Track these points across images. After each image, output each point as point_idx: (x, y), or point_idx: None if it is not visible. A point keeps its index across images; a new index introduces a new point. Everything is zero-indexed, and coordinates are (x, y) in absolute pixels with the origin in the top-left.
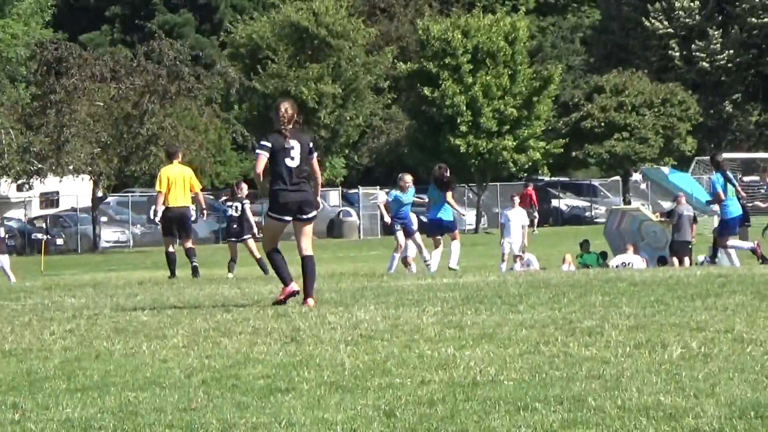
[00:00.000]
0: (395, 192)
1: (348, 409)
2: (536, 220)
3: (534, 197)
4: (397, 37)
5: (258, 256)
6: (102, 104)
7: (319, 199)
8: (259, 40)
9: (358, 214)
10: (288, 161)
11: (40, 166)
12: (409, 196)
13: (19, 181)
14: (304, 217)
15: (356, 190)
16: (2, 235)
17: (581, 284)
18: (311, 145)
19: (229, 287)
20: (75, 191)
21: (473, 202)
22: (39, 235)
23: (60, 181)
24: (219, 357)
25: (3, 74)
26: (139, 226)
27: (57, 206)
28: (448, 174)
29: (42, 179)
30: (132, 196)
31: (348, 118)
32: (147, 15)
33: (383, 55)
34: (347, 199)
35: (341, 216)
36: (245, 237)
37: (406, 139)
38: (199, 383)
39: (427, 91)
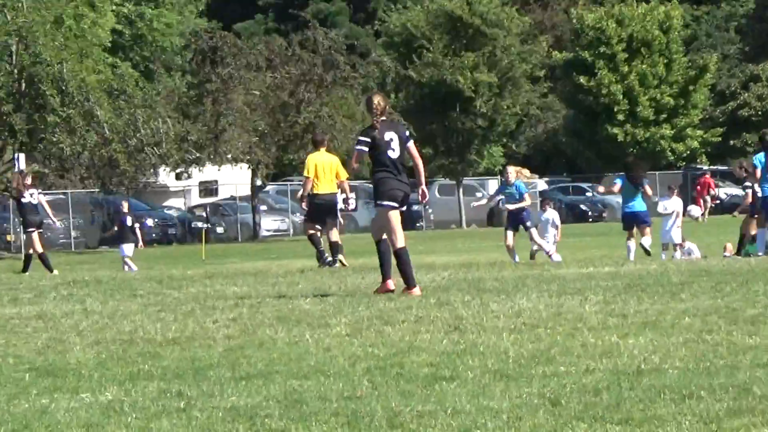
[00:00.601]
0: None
1: (513, 397)
2: (707, 209)
3: (712, 185)
4: (551, 26)
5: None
6: (258, 93)
7: (423, 187)
8: (414, 29)
9: None
10: (390, 153)
11: (198, 155)
12: (513, 189)
13: (178, 170)
14: (402, 208)
15: None
16: (130, 224)
17: (743, 273)
18: (407, 134)
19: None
20: (234, 180)
21: None
22: (199, 224)
23: (218, 169)
24: (383, 345)
25: (159, 63)
26: (298, 214)
27: (216, 195)
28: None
29: (200, 168)
30: (291, 184)
31: (504, 107)
32: (301, 4)
33: (538, 44)
34: None
35: (500, 205)
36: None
37: (563, 127)
38: (363, 371)
39: (583, 79)
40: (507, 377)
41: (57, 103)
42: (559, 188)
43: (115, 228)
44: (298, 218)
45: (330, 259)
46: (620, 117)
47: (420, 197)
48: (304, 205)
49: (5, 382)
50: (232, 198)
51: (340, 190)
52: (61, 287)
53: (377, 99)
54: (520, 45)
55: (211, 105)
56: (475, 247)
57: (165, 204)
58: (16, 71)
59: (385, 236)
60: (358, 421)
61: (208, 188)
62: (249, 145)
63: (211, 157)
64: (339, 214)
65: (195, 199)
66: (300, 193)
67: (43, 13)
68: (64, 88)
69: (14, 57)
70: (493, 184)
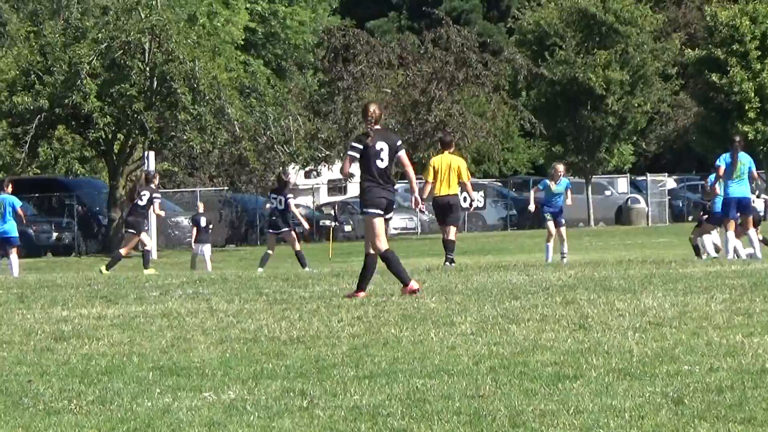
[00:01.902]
0: (546, 180)
1: (636, 396)
2: None
3: None
4: (684, 24)
5: (298, 248)
6: (389, 91)
7: (416, 195)
8: (547, 27)
9: (647, 201)
10: (378, 162)
11: (327, 152)
12: (560, 186)
13: (307, 168)
14: (388, 216)
15: (644, 177)
16: (203, 225)
17: None
18: (398, 143)
19: (517, 274)
20: None
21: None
22: (327, 222)
23: None
24: (507, 344)
25: (290, 61)
26: (426, 213)
27: (344, 193)
28: None
29: (330, 166)
30: (420, 183)
31: (636, 104)
32: (434, 1)
33: (671, 42)
34: (635, 186)
35: (629, 203)
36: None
37: (694, 126)
38: (487, 370)
39: (715, 77)
40: (630, 376)
41: (188, 101)
42: (689, 186)
43: (194, 229)
44: (426, 217)
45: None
46: (751, 115)
47: (413, 204)
48: (422, 206)
49: (129, 380)
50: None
51: (461, 190)
52: (186, 285)
53: (373, 107)
54: (652, 42)
55: (342, 103)
56: (603, 245)
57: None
58: (148, 69)
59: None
60: (481, 420)
61: (336, 186)
62: None
63: (341, 155)
64: (460, 214)
65: (324, 197)
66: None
67: (176, 11)
68: (195, 86)
69: (147, 55)
70: (622, 183)
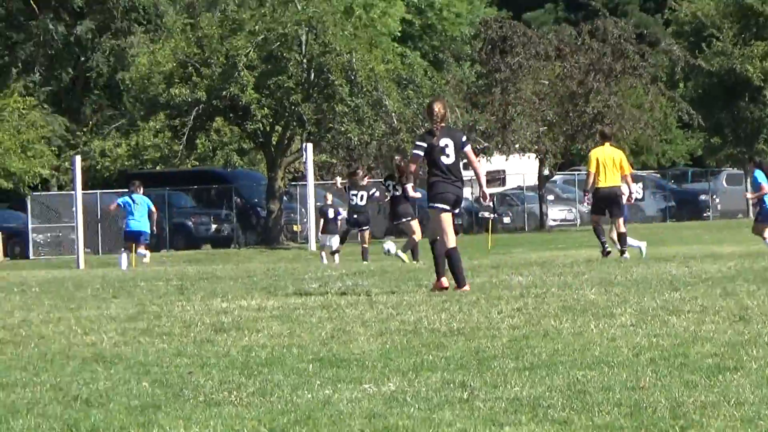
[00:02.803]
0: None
1: None
2: None
3: None
4: None
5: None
6: (546, 83)
7: (484, 189)
8: (704, 18)
9: None
10: (443, 159)
11: (486, 144)
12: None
13: (464, 160)
14: (455, 211)
15: None
16: (331, 216)
17: None
18: (464, 139)
19: (676, 265)
20: (521, 170)
21: None
22: (486, 214)
23: (506, 159)
24: (667, 336)
25: (448, 53)
26: (585, 204)
27: (503, 185)
28: None
29: (488, 158)
30: (578, 174)
31: None
32: None
33: None
34: None
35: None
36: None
37: None
38: (647, 362)
39: None
40: None
41: (346, 93)
42: None
43: (322, 220)
44: (585, 208)
45: (617, 249)
46: None
47: (481, 198)
48: (587, 198)
49: (289, 372)
50: (519, 188)
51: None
52: (346, 277)
53: (438, 106)
54: None
55: (499, 94)
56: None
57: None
58: (305, 61)
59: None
60: (641, 411)
61: (495, 178)
62: (537, 134)
63: (499, 146)
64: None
65: None
66: (584, 187)
67: (333, 3)
68: (353, 77)
69: (304, 47)
70: None
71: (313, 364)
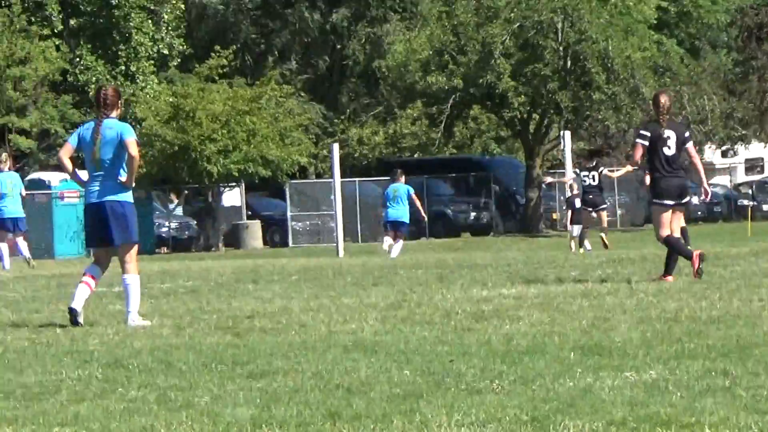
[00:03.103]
0: None
1: None
2: None
3: None
4: None
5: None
6: None
7: (705, 186)
8: None
9: None
10: (665, 150)
11: (743, 132)
12: None
13: (723, 147)
14: (682, 201)
15: None
16: (578, 207)
17: None
18: (687, 134)
19: None
20: None
21: None
22: (745, 202)
23: (765, 146)
24: None
25: (704, 40)
26: None
27: (762, 172)
28: None
29: (746, 145)
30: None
31: None
32: None
33: None
34: None
35: None
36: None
37: None
38: None
39: None
40: None
41: (602, 81)
42: None
43: (568, 211)
44: None
45: None
46: None
47: (703, 195)
48: None
49: (551, 360)
50: None
51: None
52: (605, 265)
53: (664, 98)
54: None
55: (756, 82)
56: None
57: (710, 182)
58: (561, 49)
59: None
60: None
61: (753, 165)
62: None
63: (757, 134)
64: None
65: (741, 176)
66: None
67: None
68: (609, 65)
69: (560, 35)
70: None
71: (574, 352)
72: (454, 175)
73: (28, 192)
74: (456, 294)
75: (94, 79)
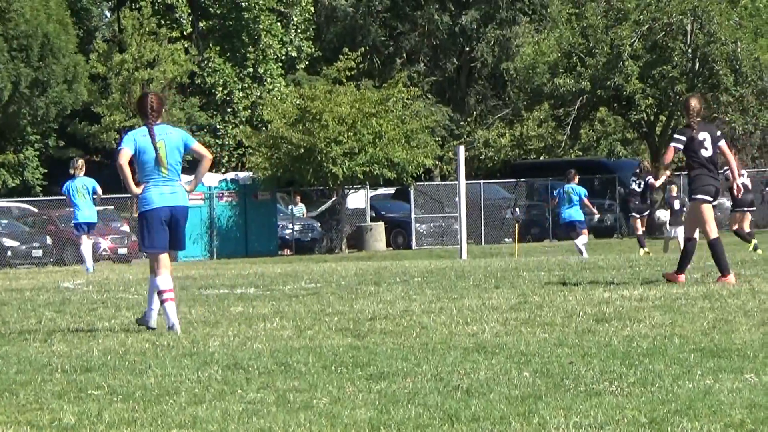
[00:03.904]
0: None
1: None
2: None
3: None
4: None
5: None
6: None
7: (738, 182)
8: None
9: None
10: (703, 152)
11: None
12: None
13: None
14: (714, 203)
15: None
16: (677, 208)
17: None
18: (719, 134)
19: None
20: None
21: None
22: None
23: None
24: None
25: None
26: None
27: None
28: None
29: None
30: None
31: None
32: None
33: None
34: None
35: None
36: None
37: None
38: None
39: None
40: None
41: (730, 83)
42: None
43: (667, 211)
44: None
45: None
46: None
47: (736, 191)
48: None
49: (671, 362)
50: None
51: None
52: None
53: (694, 102)
54: None
55: None
56: None
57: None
58: (690, 51)
59: (695, 235)
60: None
61: None
62: None
63: None
64: None
65: None
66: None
67: None
68: (737, 67)
69: (689, 36)
70: None
71: (694, 354)
72: (579, 177)
73: None
74: (578, 296)
75: (221, 81)
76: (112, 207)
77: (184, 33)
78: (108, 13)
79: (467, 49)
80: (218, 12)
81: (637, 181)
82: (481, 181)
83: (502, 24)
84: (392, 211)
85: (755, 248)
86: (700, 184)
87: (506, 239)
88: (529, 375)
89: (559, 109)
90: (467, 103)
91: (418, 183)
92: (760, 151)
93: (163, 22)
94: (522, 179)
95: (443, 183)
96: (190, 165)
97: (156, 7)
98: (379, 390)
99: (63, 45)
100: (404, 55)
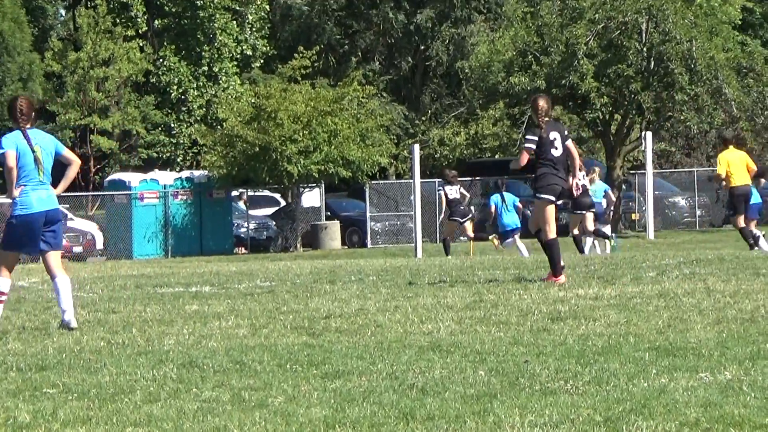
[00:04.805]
0: None
1: None
2: None
3: None
4: None
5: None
6: None
7: (576, 181)
8: None
9: None
10: (553, 151)
11: None
12: None
13: None
14: (559, 202)
15: None
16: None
17: None
18: (567, 133)
19: None
20: None
21: None
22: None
23: None
24: None
25: None
26: None
27: None
28: None
29: None
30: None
31: None
32: None
33: None
34: None
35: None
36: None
37: None
38: None
39: None
40: None
41: (685, 81)
42: None
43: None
44: None
45: None
46: None
47: (574, 190)
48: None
49: (626, 360)
50: None
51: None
52: (683, 266)
53: (542, 102)
54: None
55: None
56: None
57: None
58: (645, 49)
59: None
60: None
61: None
62: None
63: None
64: None
65: None
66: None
67: None
68: (692, 66)
69: (644, 35)
70: None
71: (649, 352)
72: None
73: (108, 192)
74: (533, 294)
75: (176, 80)
76: (67, 206)
77: (140, 31)
78: (63, 12)
79: (422, 47)
80: (173, 10)
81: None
82: (436, 180)
83: (457, 23)
84: (347, 209)
85: (613, 247)
86: (546, 183)
87: (461, 237)
88: (484, 374)
89: (514, 108)
90: (422, 101)
91: (373, 181)
92: (715, 150)
93: (118, 20)
94: (477, 178)
95: (398, 181)
96: (146, 163)
97: (111, 6)
98: (334, 388)
99: (18, 43)
100: (359, 53)
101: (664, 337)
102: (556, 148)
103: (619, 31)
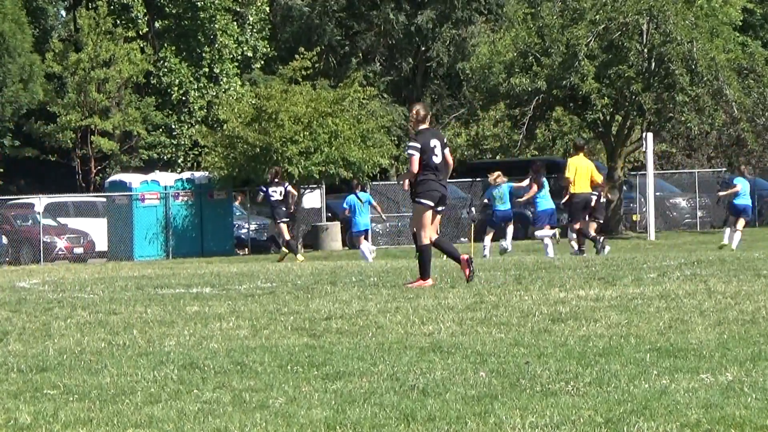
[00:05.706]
0: None
1: None
2: None
3: None
4: None
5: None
6: None
7: (408, 180)
8: None
9: None
10: (434, 158)
11: None
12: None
13: None
14: (439, 209)
15: None
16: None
17: None
18: (445, 140)
19: None
20: None
21: None
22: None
23: None
24: None
25: None
26: None
27: None
28: None
29: None
30: None
31: None
32: None
33: None
34: None
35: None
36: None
37: None
38: None
39: None
40: None
41: (686, 82)
42: None
43: None
44: None
45: None
46: None
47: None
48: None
49: (627, 362)
50: None
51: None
52: (684, 267)
53: (417, 108)
54: None
55: None
56: None
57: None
58: (645, 50)
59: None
60: None
61: None
62: None
63: None
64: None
65: None
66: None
67: None
68: (693, 67)
69: (644, 36)
70: None
71: (650, 353)
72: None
73: (108, 194)
74: (534, 296)
75: (177, 81)
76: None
77: (140, 32)
78: (64, 13)
79: (423, 48)
80: (174, 12)
81: (277, 190)
82: None
83: (457, 24)
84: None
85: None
86: (426, 189)
87: (462, 239)
88: (485, 375)
89: (514, 109)
90: (423, 102)
91: (374, 182)
92: (716, 151)
93: (119, 21)
94: (478, 179)
95: (399, 182)
96: (146, 164)
97: (112, 7)
98: (335, 390)
99: (18, 44)
100: (360, 54)
101: (665, 338)
102: (437, 155)
103: (619, 32)
